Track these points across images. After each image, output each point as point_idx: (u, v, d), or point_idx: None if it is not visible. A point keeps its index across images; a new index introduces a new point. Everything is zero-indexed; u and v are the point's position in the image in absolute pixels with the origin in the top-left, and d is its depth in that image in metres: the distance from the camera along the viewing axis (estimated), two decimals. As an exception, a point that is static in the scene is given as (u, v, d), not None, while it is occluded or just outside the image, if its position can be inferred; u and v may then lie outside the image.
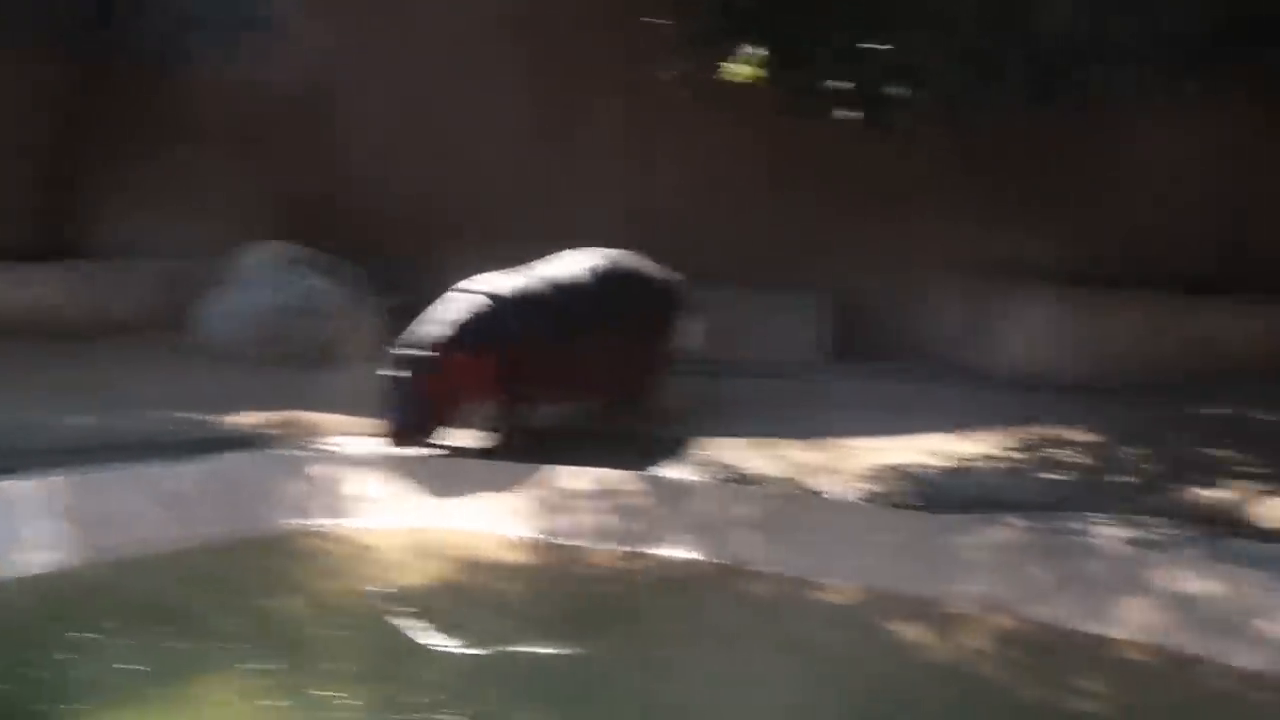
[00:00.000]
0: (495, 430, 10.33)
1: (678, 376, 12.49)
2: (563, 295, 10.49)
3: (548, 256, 10.80)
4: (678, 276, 11.31)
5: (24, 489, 8.81)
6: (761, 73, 11.28)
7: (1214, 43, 9.92)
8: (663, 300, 11.13)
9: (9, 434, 10.21)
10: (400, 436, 9.87)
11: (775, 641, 7.96)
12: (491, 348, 10.07)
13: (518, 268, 10.62)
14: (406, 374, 9.86)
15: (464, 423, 10.31)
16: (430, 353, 9.91)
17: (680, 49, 12.04)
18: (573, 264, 10.74)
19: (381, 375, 10.00)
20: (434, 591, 8.44)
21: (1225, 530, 8.93)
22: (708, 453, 10.27)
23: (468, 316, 10.13)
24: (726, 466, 10.00)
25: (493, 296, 10.26)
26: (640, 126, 14.19)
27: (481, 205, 14.36)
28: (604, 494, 9.32)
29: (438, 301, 10.35)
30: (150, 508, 8.94)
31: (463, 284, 10.41)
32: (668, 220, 14.23)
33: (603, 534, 9.05)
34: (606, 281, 10.73)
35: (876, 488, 9.79)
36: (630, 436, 10.66)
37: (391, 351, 10.08)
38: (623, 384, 10.93)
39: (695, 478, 9.67)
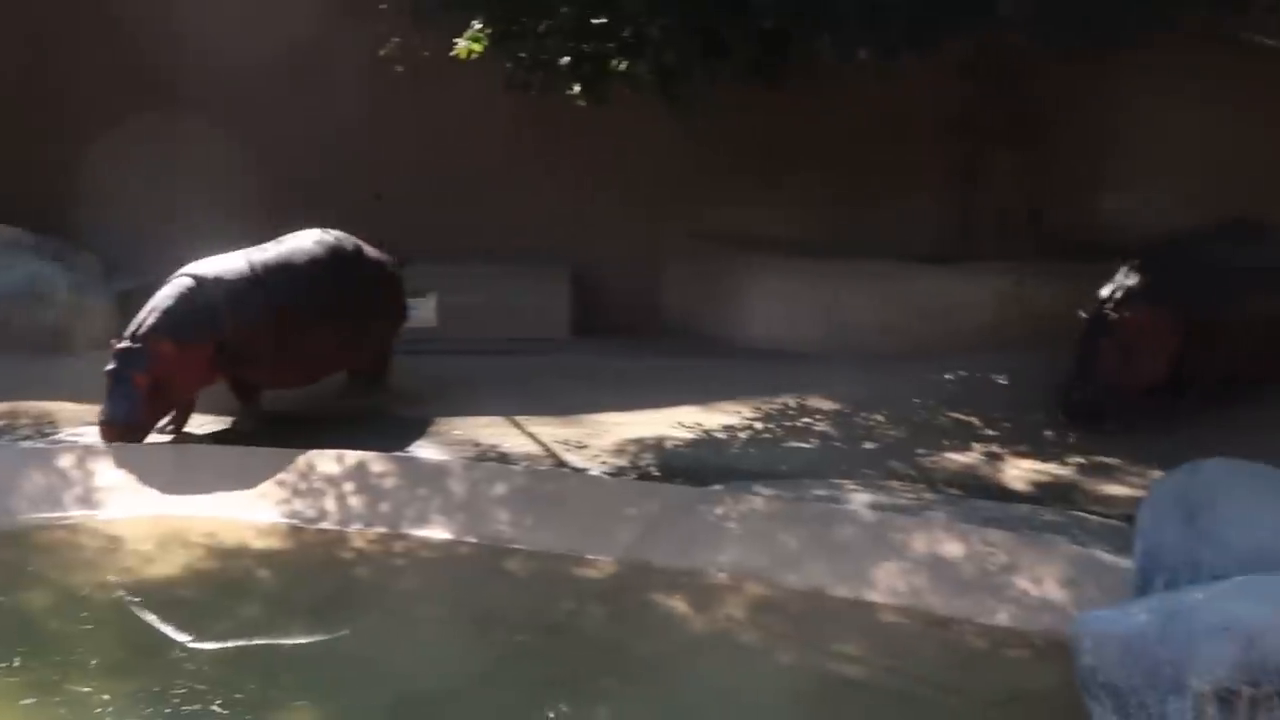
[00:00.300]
0: (239, 415, 10.15)
1: (420, 356, 12.44)
2: (274, 278, 10.30)
3: (270, 240, 10.62)
4: (392, 257, 11.23)
5: None
6: (482, 47, 11.19)
7: (923, 15, 10.16)
8: (377, 280, 11.05)
9: None
10: (114, 430, 9.55)
11: (535, 619, 7.94)
12: (201, 335, 9.84)
13: (235, 252, 10.41)
14: (119, 366, 9.59)
15: (188, 411, 10.11)
16: (137, 344, 9.64)
17: (405, 24, 11.92)
18: (287, 246, 10.59)
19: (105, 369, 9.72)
20: (184, 581, 8.23)
21: (968, 493, 9.19)
22: (459, 432, 10.22)
23: (175, 303, 9.87)
24: (478, 445, 9.97)
25: (201, 281, 10.02)
26: (375, 103, 14.00)
27: (213, 186, 14.03)
28: (357, 476, 9.20)
29: (156, 290, 10.10)
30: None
31: (180, 270, 10.17)
32: (404, 198, 14.10)
33: (357, 517, 8.94)
34: (320, 263, 10.58)
35: (626, 462, 9.87)
36: (377, 418, 10.59)
37: (111, 343, 9.83)
38: (340, 364, 10.85)
39: (449, 457, 9.61)
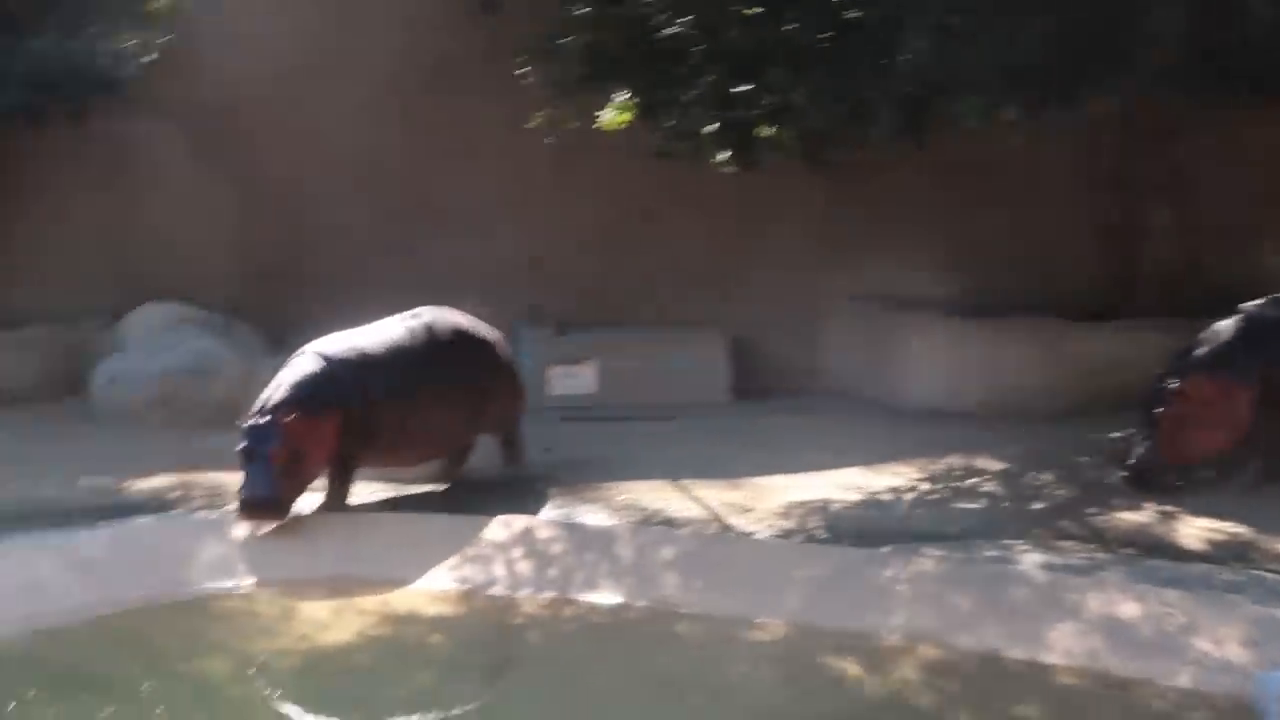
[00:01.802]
0: (328, 496, 10.07)
1: (580, 423, 12.54)
2: (396, 355, 10.18)
3: (388, 317, 10.54)
4: (500, 333, 11.22)
5: (-69, 562, 8.61)
6: (629, 118, 11.29)
7: (1066, 74, 10.11)
8: (495, 359, 10.95)
9: (-93, 508, 10.01)
10: (255, 509, 9.36)
11: (709, 683, 7.93)
12: (328, 409, 9.70)
13: (357, 329, 10.34)
14: (251, 443, 9.42)
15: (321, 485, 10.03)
16: (266, 418, 9.49)
17: (548, 97, 12.04)
18: (410, 324, 10.47)
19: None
20: (359, 647, 8.32)
21: (1142, 552, 9.05)
22: (623, 497, 10.25)
23: (303, 378, 9.76)
24: (643, 509, 9.98)
25: (326, 358, 9.94)
26: (520, 177, 14.17)
27: (357, 261, 14.26)
28: (525, 542, 9.28)
29: (282, 366, 10.06)
30: (64, 575, 8.76)
31: (304, 347, 10.14)
32: (562, 267, 14.23)
33: (527, 582, 8.99)
34: (438, 342, 10.44)
35: (792, 524, 9.82)
36: (540, 484, 10.63)
37: (238, 422, 9.72)
38: (454, 442, 10.72)
39: (615, 522, 9.64)
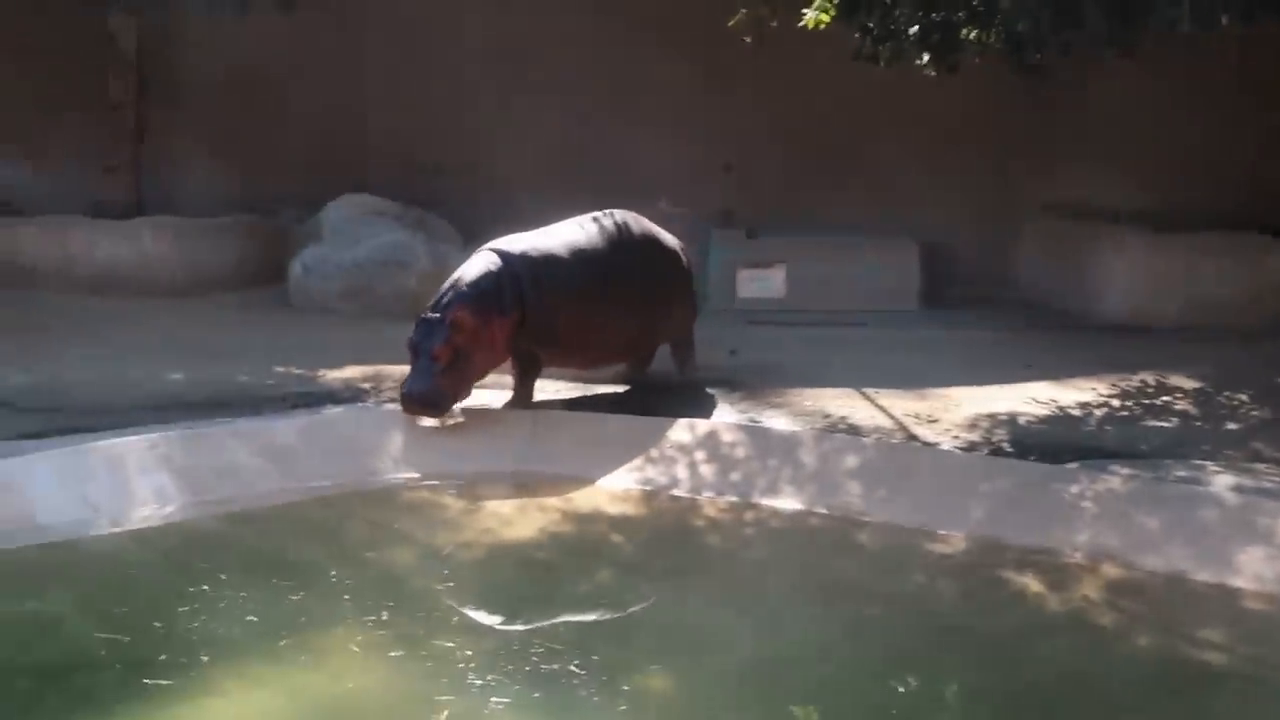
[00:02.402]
0: (514, 394, 10.17)
1: (768, 327, 12.51)
2: (577, 257, 10.13)
3: (573, 218, 10.50)
4: (681, 241, 11.07)
5: (131, 446, 8.85)
6: (830, 18, 11.09)
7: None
8: (675, 266, 10.84)
9: (111, 391, 10.33)
10: (413, 404, 9.45)
11: (887, 592, 7.90)
12: (502, 308, 9.72)
13: (541, 229, 10.31)
14: (419, 338, 9.52)
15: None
16: (437, 315, 9.56)
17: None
18: (591, 226, 10.40)
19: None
20: (541, 544, 8.41)
21: (1339, 476, 8.81)
22: (808, 403, 10.22)
23: (478, 277, 9.76)
24: (828, 416, 9.94)
25: (505, 257, 9.92)
26: (715, 77, 14.09)
27: (550, 160, 14.31)
28: (708, 445, 9.29)
29: (462, 264, 10.11)
30: (256, 461, 8.98)
31: (485, 245, 10.15)
32: (752, 170, 14.16)
33: (709, 485, 9.02)
34: (621, 245, 10.36)
35: (977, 437, 9.73)
36: (727, 388, 10.63)
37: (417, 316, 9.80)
38: (634, 348, 10.69)
39: (799, 428, 9.60)
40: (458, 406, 9.65)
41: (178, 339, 11.96)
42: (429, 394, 9.39)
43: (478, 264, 9.89)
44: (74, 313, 12.88)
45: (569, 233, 10.30)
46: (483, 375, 9.82)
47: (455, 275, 9.87)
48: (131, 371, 10.82)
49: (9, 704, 6.45)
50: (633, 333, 10.45)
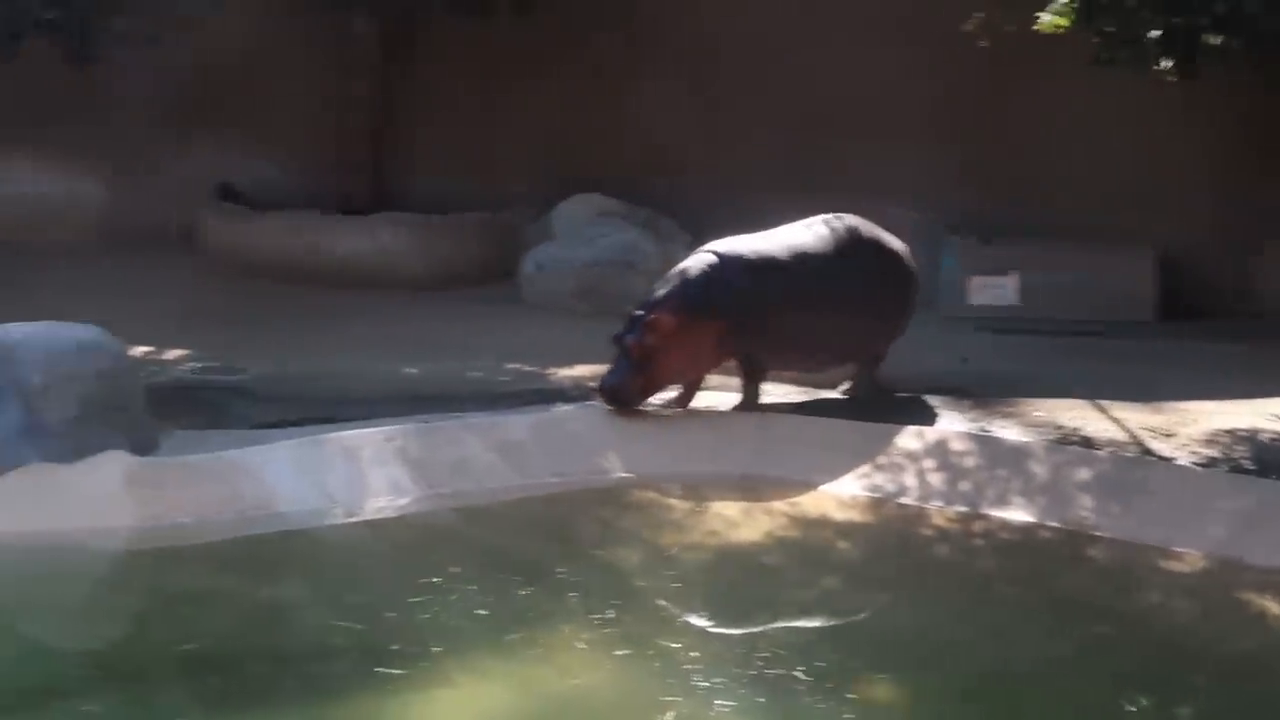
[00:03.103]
0: (743, 397, 10.07)
1: (1002, 335, 12.34)
2: (795, 261, 10.01)
3: (801, 220, 10.37)
4: (907, 246, 10.82)
5: (367, 437, 9.06)
6: (1069, 21, 10.88)
7: None
8: (897, 272, 10.61)
9: (348, 383, 10.57)
10: (603, 395, 9.60)
11: (1119, 610, 7.75)
12: (709, 311, 9.67)
13: (761, 232, 10.21)
14: (623, 332, 9.58)
15: (694, 388, 9.99)
16: (639, 313, 9.59)
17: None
18: (814, 230, 10.26)
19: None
20: (767, 548, 8.41)
21: None
22: (1040, 414, 10.04)
23: (690, 277, 9.76)
24: (1060, 428, 9.76)
25: (721, 258, 9.87)
26: (951, 80, 13.93)
27: (783, 161, 14.27)
28: (937, 453, 9.20)
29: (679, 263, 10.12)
30: (488, 456, 9.11)
31: (704, 246, 10.11)
32: (984, 174, 13.98)
33: (937, 494, 8.93)
34: (842, 250, 10.19)
35: (1216, 453, 9.45)
36: (950, 395, 10.48)
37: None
38: (851, 354, 10.48)
39: (1030, 439, 9.44)
40: (656, 400, 9.77)
41: (413, 333, 12.19)
42: (618, 388, 9.55)
43: (690, 265, 9.92)
44: (314, 306, 13.20)
45: (791, 236, 10.23)
46: (684, 376, 9.88)
47: (670, 274, 9.95)
48: (368, 364, 11.06)
49: (247, 688, 6.65)
50: (854, 337, 10.33)
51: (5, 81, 14.13)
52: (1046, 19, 10.96)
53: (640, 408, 9.67)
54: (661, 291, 9.75)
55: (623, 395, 9.56)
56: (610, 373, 9.63)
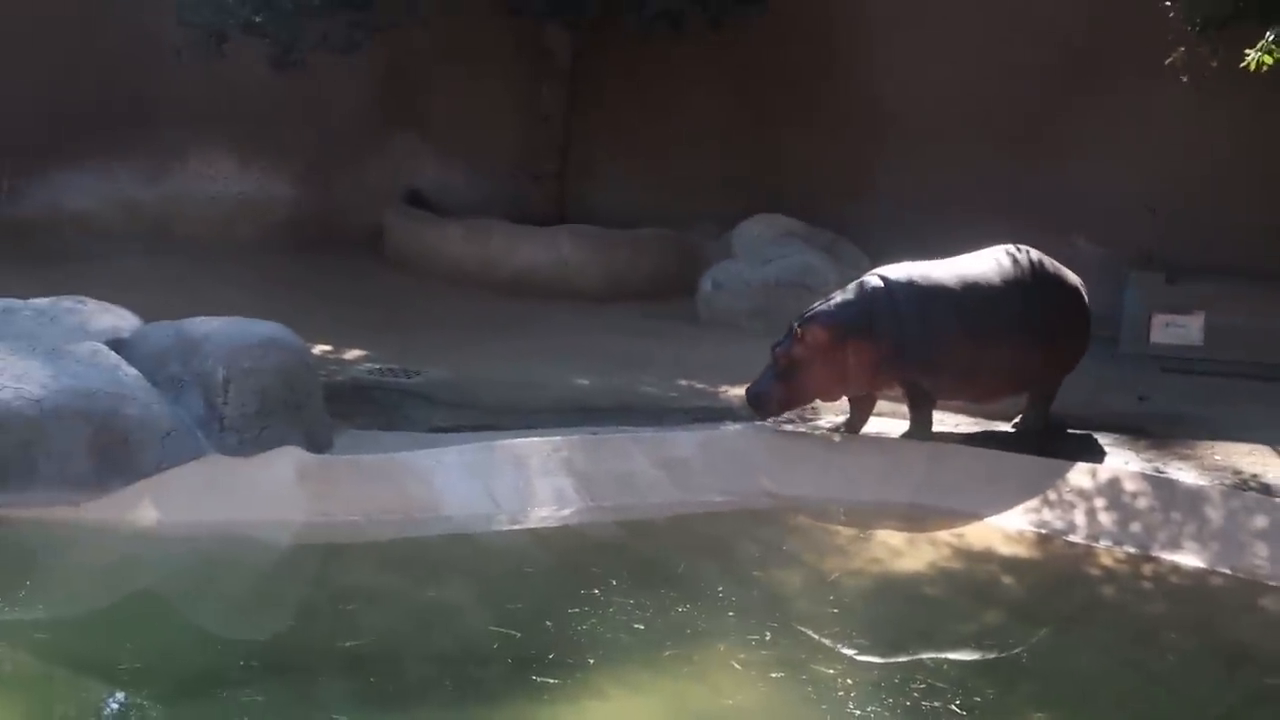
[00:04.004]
0: (911, 425, 10.01)
1: (1184, 376, 12.09)
2: (965, 291, 9.89)
3: (978, 251, 10.23)
4: (1079, 280, 10.57)
5: (535, 446, 9.14)
6: (1271, 59, 10.58)
7: None
8: (1070, 305, 10.41)
9: (520, 391, 10.67)
10: (750, 399, 9.70)
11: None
12: (865, 332, 9.64)
13: (934, 260, 10.10)
14: (779, 342, 9.67)
15: (866, 410, 10.00)
16: (794, 325, 9.66)
17: (1187, 32, 11.52)
18: (985, 261, 10.13)
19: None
20: (930, 579, 8.34)
21: None
22: (1218, 457, 9.82)
23: (852, 297, 9.77)
24: (1239, 473, 9.53)
25: (887, 283, 9.82)
26: (1144, 113, 13.68)
27: (969, 189, 14.12)
28: (1109, 492, 9.04)
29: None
30: (653, 471, 9.15)
31: (875, 269, 10.08)
32: (1172, 213, 13.71)
33: (1106, 534, 8.78)
34: (1012, 282, 10.05)
35: (1400, 507, 9.17)
36: (1126, 434, 10.28)
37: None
38: (1021, 386, 10.28)
39: (1206, 483, 9.23)
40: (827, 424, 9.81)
41: (587, 345, 12.27)
42: (758, 395, 9.69)
43: (856, 287, 9.92)
44: (491, 312, 13.34)
45: (963, 265, 10.15)
46: (830, 393, 9.90)
47: (836, 292, 10.01)
48: (541, 373, 11.16)
49: (401, 685, 6.74)
50: (1022, 370, 10.15)
51: (209, 82, 14.47)
52: (1254, 55, 10.70)
53: (801, 429, 9.70)
54: (819, 306, 9.84)
55: (760, 402, 9.67)
56: (757, 380, 9.75)
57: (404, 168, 15.60)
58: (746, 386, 9.83)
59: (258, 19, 13.25)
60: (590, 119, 15.36)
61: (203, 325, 9.06)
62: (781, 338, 9.72)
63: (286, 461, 8.60)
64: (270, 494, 8.44)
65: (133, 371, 8.68)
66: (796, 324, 9.69)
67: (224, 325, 9.09)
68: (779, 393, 9.65)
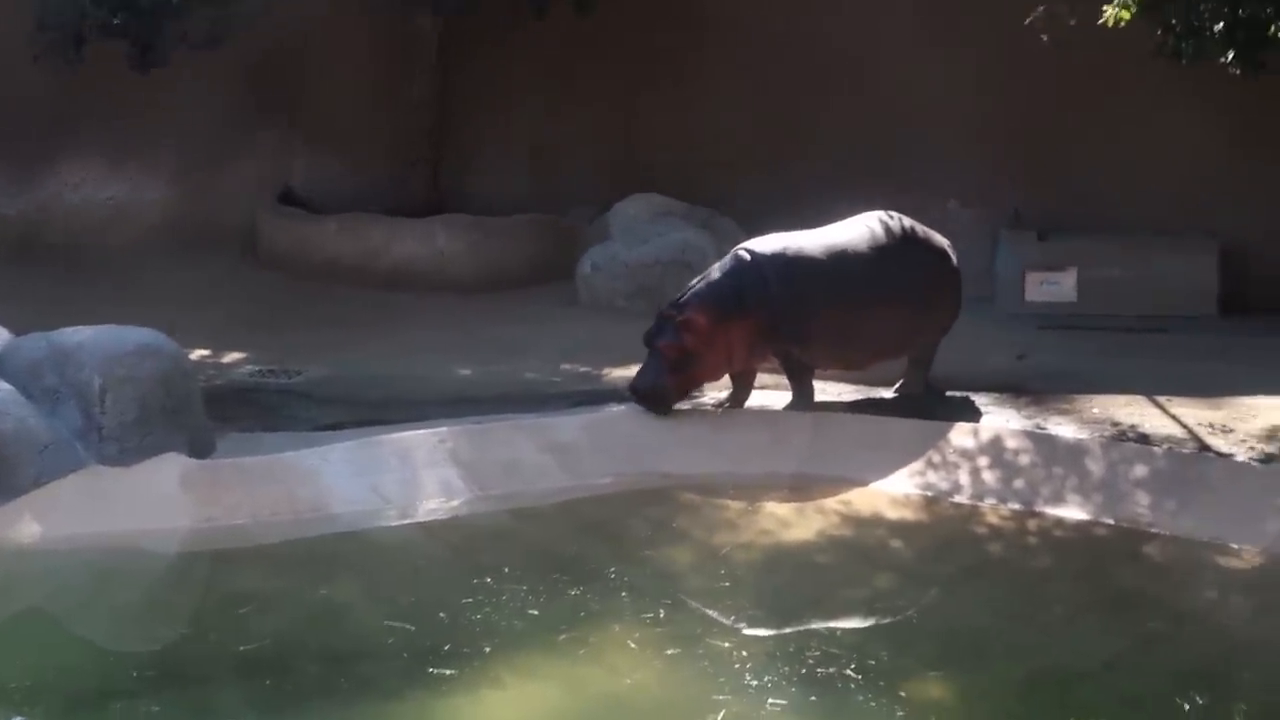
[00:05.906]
0: (793, 397, 10.07)
1: (1059, 331, 12.25)
2: (832, 259, 9.93)
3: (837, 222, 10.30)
4: (947, 241, 10.65)
5: (419, 439, 9.11)
6: (1131, 14, 10.78)
7: None
8: (939, 269, 10.44)
9: (402, 385, 10.63)
10: (637, 397, 9.59)
11: (1175, 607, 7.69)
12: (741, 310, 9.63)
13: (797, 231, 10.14)
14: (654, 333, 9.61)
15: (747, 385, 10.01)
16: (672, 313, 9.59)
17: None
18: (851, 228, 10.18)
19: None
20: (819, 547, 8.40)
21: None
22: (1096, 410, 9.98)
23: (722, 277, 9.73)
24: (1116, 424, 9.69)
25: (754, 257, 9.82)
26: (1008, 75, 13.83)
27: (841, 159, 14.21)
28: (991, 451, 9.15)
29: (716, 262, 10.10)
30: (539, 457, 9.14)
31: (739, 245, 10.09)
32: (1039, 165, 13.89)
33: (991, 492, 8.89)
34: (880, 248, 10.09)
35: (1274, 448, 9.35)
36: (1004, 393, 10.40)
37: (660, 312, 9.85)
38: (893, 351, 10.34)
39: (1086, 436, 9.38)
40: (709, 400, 9.81)
41: (468, 335, 12.24)
42: (653, 390, 9.57)
43: (725, 264, 9.90)
44: (370, 307, 13.26)
45: (829, 234, 10.18)
46: (718, 375, 9.87)
47: (705, 273, 9.94)
48: (423, 366, 11.12)
49: (299, 687, 6.70)
50: (895, 334, 10.21)
51: (71, 86, 14.26)
52: (1110, 11, 10.87)
53: (679, 406, 9.70)
54: (692, 291, 9.74)
55: (657, 396, 9.58)
56: (641, 374, 9.65)
57: (276, 165, 15.45)
58: (631, 381, 9.71)
59: (116, 20, 13.08)
60: (463, 106, 15.28)
61: (75, 335, 8.92)
62: (654, 328, 9.64)
63: (169, 468, 8.51)
64: (154, 502, 8.34)
65: (5, 385, 8.54)
66: (672, 310, 9.61)
67: (97, 334, 8.95)
68: (673, 385, 9.58)
